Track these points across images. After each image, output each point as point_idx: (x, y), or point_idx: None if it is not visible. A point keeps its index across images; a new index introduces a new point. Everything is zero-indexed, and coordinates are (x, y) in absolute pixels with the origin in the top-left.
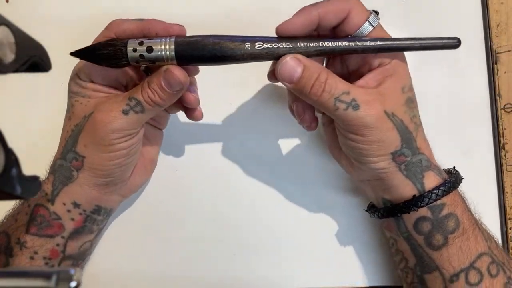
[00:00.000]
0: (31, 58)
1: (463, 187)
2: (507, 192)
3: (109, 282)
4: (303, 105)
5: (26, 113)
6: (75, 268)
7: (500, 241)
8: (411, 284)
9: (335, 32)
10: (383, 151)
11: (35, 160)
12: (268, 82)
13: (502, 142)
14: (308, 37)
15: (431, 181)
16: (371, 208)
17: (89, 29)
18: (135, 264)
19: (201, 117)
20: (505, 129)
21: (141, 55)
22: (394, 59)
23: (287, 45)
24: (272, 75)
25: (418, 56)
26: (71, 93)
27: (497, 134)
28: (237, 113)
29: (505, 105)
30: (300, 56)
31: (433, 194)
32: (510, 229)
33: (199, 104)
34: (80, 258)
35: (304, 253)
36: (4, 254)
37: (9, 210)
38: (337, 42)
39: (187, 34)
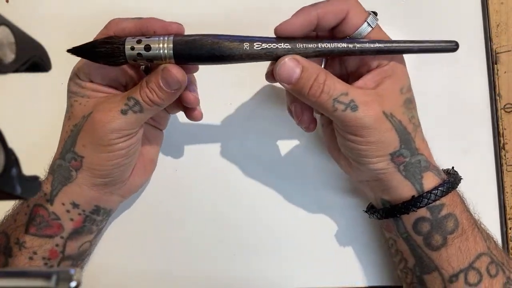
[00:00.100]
0: (31, 58)
1: (463, 187)
2: (507, 192)
3: (109, 282)
4: (302, 106)
5: (26, 113)
6: (75, 268)
7: (500, 241)
8: (411, 284)
9: (333, 33)
10: (382, 152)
11: (35, 160)
12: (268, 82)
13: (502, 142)
14: (307, 38)
15: (430, 181)
16: (370, 209)
17: (89, 29)
18: (135, 264)
19: (200, 117)
20: (505, 129)
21: (138, 54)
22: (392, 60)
23: (286, 45)
24: (270, 75)
25: (418, 56)
26: (70, 93)
27: (497, 134)
28: (237, 113)
29: (505, 105)
30: (298, 57)
31: (432, 195)
32: (510, 229)
33: (199, 104)
34: (79, 259)
35: (304, 253)
36: (3, 254)
37: (9, 210)
38: (336, 44)
39: (186, 33)
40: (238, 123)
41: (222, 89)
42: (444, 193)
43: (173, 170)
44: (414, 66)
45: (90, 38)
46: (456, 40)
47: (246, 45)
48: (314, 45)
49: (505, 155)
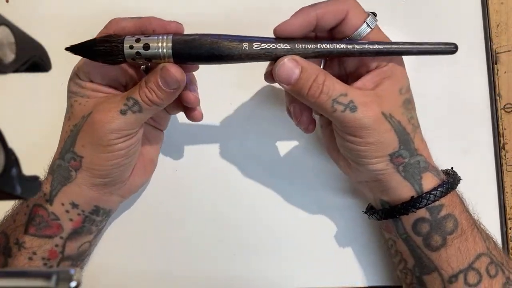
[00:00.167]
0: (31, 58)
1: (463, 187)
2: (507, 192)
3: (109, 282)
4: (301, 107)
5: (26, 113)
6: (75, 268)
7: (500, 241)
8: (410, 285)
9: (332, 34)
10: (381, 153)
11: (35, 160)
12: (267, 82)
13: (502, 142)
14: (306, 38)
15: (429, 182)
16: (370, 210)
17: (89, 29)
18: (135, 264)
19: (201, 118)
20: (505, 129)
21: (137, 52)
22: (391, 61)
23: (285, 46)
24: (269, 75)
25: (419, 56)
26: (70, 93)
27: (497, 134)
28: (237, 113)
29: (505, 105)
30: (297, 58)
31: (431, 195)
32: (510, 229)
33: (199, 104)
34: (79, 259)
35: (304, 253)
36: (3, 255)
37: (8, 211)
38: (335, 45)
39: (186, 33)
40: (238, 123)
41: (223, 89)
42: (443, 194)
43: (173, 170)
44: (415, 66)
45: (89, 38)
46: (456, 40)
47: (245, 45)
48: (313, 46)
49: (505, 155)
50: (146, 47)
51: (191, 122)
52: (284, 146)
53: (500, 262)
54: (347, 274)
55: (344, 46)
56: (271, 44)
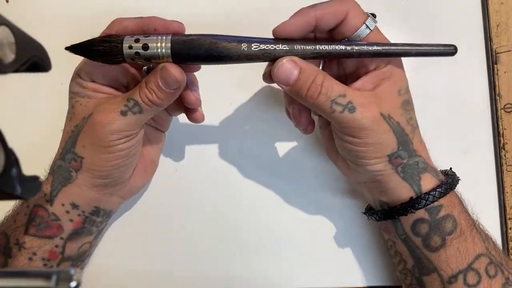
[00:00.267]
0: (31, 58)
1: (463, 187)
2: (507, 192)
3: (110, 282)
4: (300, 108)
5: (26, 113)
6: (75, 268)
7: (500, 241)
8: (410, 285)
9: (332, 34)
10: (380, 153)
11: (35, 160)
12: (265, 83)
13: (502, 142)
14: (305, 39)
15: (428, 183)
16: (369, 211)
17: (90, 29)
18: (135, 264)
19: (202, 119)
20: (505, 129)
21: (136, 53)
22: (390, 62)
23: (284, 47)
24: (268, 76)
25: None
26: (71, 94)
27: (497, 134)
28: (237, 113)
29: (505, 105)
30: (296, 59)
31: (430, 196)
32: (510, 229)
33: (200, 104)
34: (79, 260)
35: (304, 253)
36: (3, 255)
37: (9, 211)
38: (334, 46)
39: (185, 33)
40: (238, 123)
41: (223, 89)
42: (442, 194)
43: (173, 170)
44: (414, 66)
45: (90, 38)
46: (456, 40)
47: (244, 46)
48: (312, 47)
49: (505, 155)
50: (145, 47)
51: (190, 122)
52: (284, 147)
53: (500, 262)
54: (347, 274)
55: (343, 47)
56: (270, 45)
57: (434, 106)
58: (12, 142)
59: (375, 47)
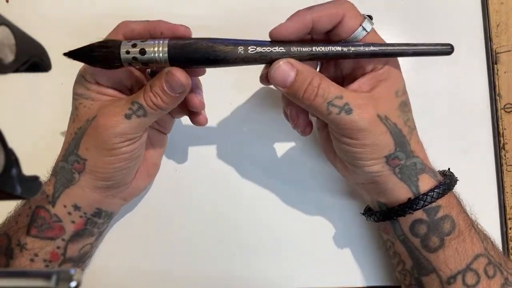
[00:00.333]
0: (31, 58)
1: (463, 187)
2: (507, 192)
3: (110, 282)
4: (297, 110)
5: (26, 113)
6: (75, 269)
7: (500, 241)
8: (409, 286)
9: (329, 37)
10: (377, 155)
11: (35, 160)
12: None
13: (502, 142)
14: (301, 41)
15: (426, 183)
16: (368, 212)
17: (89, 29)
18: (135, 264)
19: (205, 122)
20: (505, 129)
21: (134, 57)
22: (387, 64)
23: (280, 49)
24: (265, 78)
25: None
26: (75, 95)
27: (497, 134)
28: (237, 114)
29: (505, 105)
30: (293, 61)
31: (428, 197)
32: (510, 229)
33: (204, 108)
34: (80, 261)
35: (304, 253)
36: (5, 256)
37: (11, 212)
38: (330, 47)
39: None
40: (238, 124)
41: (223, 90)
42: (440, 195)
43: (174, 171)
44: (414, 66)
45: (90, 39)
46: (456, 40)
47: (240, 49)
48: (309, 49)
49: (505, 155)
50: (142, 52)
51: (190, 123)
52: (283, 148)
53: (498, 262)
54: (346, 274)
55: (339, 48)
56: (266, 47)
57: (434, 106)
58: (12, 142)
59: (371, 48)
